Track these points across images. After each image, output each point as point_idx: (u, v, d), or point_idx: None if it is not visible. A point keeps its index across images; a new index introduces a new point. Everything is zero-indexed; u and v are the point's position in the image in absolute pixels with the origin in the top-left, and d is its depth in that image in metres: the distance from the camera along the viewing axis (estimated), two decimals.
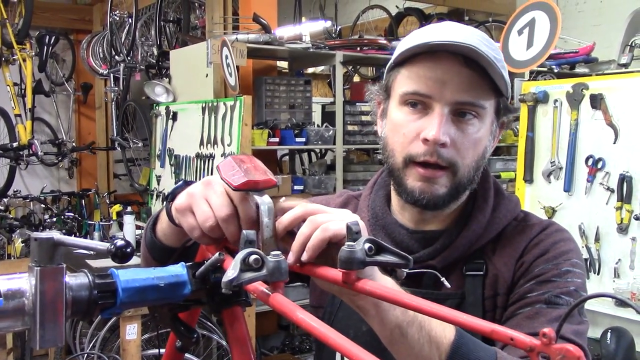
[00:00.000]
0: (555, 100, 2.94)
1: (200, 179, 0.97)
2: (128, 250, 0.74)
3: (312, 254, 0.83)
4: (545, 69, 4.88)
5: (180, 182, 1.02)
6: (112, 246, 0.73)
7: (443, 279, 0.84)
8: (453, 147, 1.04)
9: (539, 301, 1.01)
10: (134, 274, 0.80)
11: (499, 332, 0.62)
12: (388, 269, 0.87)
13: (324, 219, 0.84)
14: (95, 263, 3.59)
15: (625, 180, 2.67)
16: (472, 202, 1.15)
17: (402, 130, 1.07)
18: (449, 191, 1.07)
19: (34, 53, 6.03)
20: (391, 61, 1.11)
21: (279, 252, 0.75)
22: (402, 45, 1.08)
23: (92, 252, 3.12)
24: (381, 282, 0.84)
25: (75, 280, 0.75)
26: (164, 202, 1.04)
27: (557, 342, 0.58)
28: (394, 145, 1.09)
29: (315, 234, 0.83)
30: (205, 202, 0.90)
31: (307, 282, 1.25)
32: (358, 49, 4.48)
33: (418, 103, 1.05)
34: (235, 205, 0.89)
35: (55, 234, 0.71)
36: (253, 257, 0.74)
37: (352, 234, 0.77)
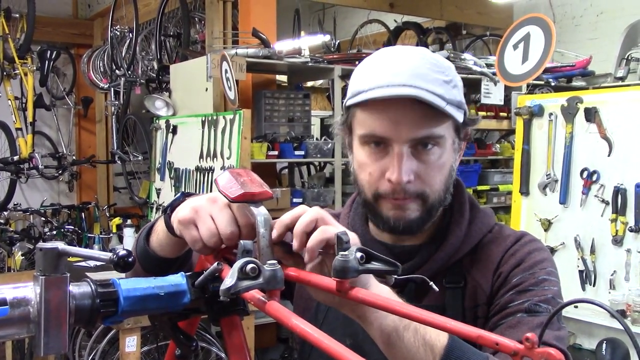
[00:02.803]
0: (551, 114, 2.98)
1: (199, 192, 1.00)
2: (130, 259, 0.76)
3: (313, 255, 0.87)
4: (542, 82, 4.92)
5: (179, 195, 1.05)
6: (115, 255, 0.76)
7: (431, 283, 0.87)
8: (418, 180, 1.07)
9: (520, 310, 1.05)
10: (135, 284, 0.83)
11: (484, 337, 0.65)
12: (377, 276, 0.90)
13: (322, 216, 0.89)
14: (95, 275, 3.61)
15: (619, 192, 2.70)
16: (449, 217, 1.18)
17: (368, 169, 1.11)
18: (421, 215, 1.10)
19: (35, 67, 6.07)
20: (346, 99, 1.13)
21: (275, 261, 0.78)
22: (353, 86, 1.10)
23: (93, 264, 3.09)
24: (377, 290, 0.88)
25: (79, 289, 0.78)
26: (163, 214, 1.06)
27: (539, 346, 0.61)
28: (362, 182, 1.13)
29: (314, 235, 0.86)
30: (210, 218, 0.93)
31: (291, 299, 1.28)
32: (356, 63, 4.50)
33: (379, 143, 1.08)
34: (237, 221, 0.93)
35: (60, 244, 0.74)
36: (250, 266, 0.76)
37: (342, 243, 0.80)
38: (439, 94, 1.04)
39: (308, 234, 0.88)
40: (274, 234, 0.89)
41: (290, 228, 0.89)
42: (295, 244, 0.88)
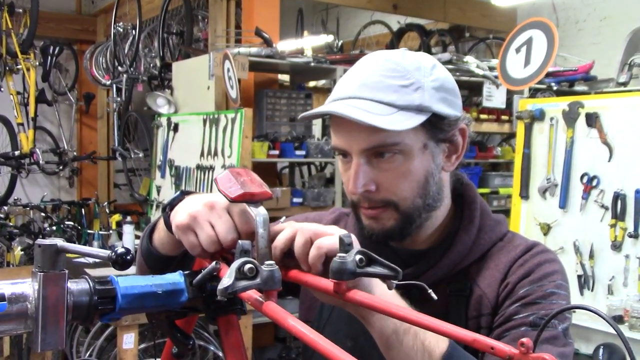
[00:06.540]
0: (552, 118, 2.97)
1: (200, 191, 1.00)
2: (128, 257, 0.76)
3: (317, 270, 0.87)
4: (544, 87, 4.92)
5: (177, 193, 1.05)
6: (113, 253, 0.76)
7: (430, 290, 0.86)
8: (382, 189, 1.06)
9: (525, 324, 1.02)
10: (133, 281, 0.83)
11: (480, 342, 0.65)
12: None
13: (314, 231, 0.89)
14: (94, 272, 3.62)
15: (619, 198, 2.70)
16: (458, 221, 1.15)
17: (343, 179, 1.12)
18: (399, 223, 1.09)
19: (37, 63, 6.08)
20: None
21: (272, 262, 0.79)
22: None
23: (92, 260, 3.09)
24: (380, 293, 0.88)
25: (77, 285, 0.78)
26: (162, 212, 1.07)
27: (534, 351, 0.61)
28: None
29: (311, 253, 0.86)
30: (209, 225, 0.93)
31: (298, 295, 1.28)
32: None
33: (346, 155, 1.09)
34: (236, 225, 0.93)
35: (59, 241, 0.74)
36: (248, 266, 0.77)
37: (345, 245, 0.80)
38: (387, 101, 1.02)
39: (308, 252, 0.88)
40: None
41: (285, 251, 0.90)
42: (305, 268, 0.89)
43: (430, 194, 1.10)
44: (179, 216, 0.97)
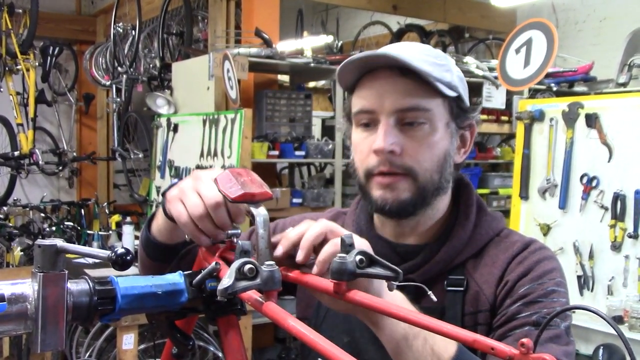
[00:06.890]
0: (551, 119, 2.97)
1: None
2: (128, 257, 0.76)
3: (322, 267, 0.86)
4: (543, 87, 4.92)
5: (176, 180, 1.06)
6: (113, 254, 0.76)
7: (430, 292, 0.86)
8: (406, 155, 1.07)
9: (528, 323, 1.02)
10: (133, 282, 0.83)
11: (480, 342, 0.65)
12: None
13: (331, 228, 0.89)
14: (94, 272, 3.61)
15: (619, 198, 2.70)
16: (454, 218, 1.16)
17: (359, 148, 1.12)
18: (414, 196, 1.09)
19: (37, 63, 6.09)
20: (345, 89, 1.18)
21: (272, 262, 0.78)
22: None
23: (92, 261, 3.09)
24: (389, 297, 0.88)
25: (77, 286, 0.78)
26: (162, 197, 1.09)
27: (534, 352, 0.61)
28: (356, 164, 1.14)
29: (326, 248, 0.86)
30: (196, 193, 0.97)
31: (295, 294, 1.28)
32: None
33: (369, 122, 1.10)
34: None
35: (58, 241, 0.74)
36: (248, 266, 0.77)
37: (346, 246, 0.80)
38: (424, 68, 1.05)
39: (315, 247, 0.87)
40: (280, 250, 0.89)
41: (296, 244, 0.89)
42: (300, 256, 0.87)
43: (444, 175, 1.12)
44: (171, 191, 1.02)
